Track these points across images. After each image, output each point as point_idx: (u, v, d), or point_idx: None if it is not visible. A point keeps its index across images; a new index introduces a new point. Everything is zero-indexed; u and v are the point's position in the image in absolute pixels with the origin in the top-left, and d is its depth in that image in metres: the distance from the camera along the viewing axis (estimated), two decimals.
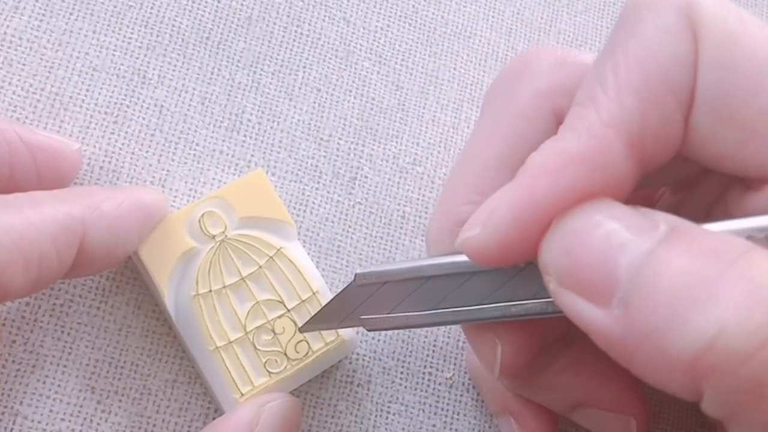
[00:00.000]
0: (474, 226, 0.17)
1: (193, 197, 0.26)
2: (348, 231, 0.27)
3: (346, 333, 0.23)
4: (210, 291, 0.23)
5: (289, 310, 0.23)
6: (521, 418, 0.23)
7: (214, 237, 0.23)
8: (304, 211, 0.27)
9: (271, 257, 0.23)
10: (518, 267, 0.18)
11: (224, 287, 0.23)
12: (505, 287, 0.19)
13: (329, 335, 0.23)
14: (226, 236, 0.23)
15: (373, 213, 0.27)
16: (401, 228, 0.27)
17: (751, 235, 0.16)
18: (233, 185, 0.24)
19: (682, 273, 0.14)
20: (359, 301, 0.21)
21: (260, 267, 0.23)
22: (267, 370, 0.22)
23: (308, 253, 0.25)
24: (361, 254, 0.26)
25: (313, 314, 0.22)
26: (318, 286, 0.24)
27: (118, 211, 0.21)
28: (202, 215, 0.23)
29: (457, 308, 0.19)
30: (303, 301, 0.23)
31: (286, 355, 0.23)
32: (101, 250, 0.21)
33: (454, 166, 0.22)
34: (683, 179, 0.21)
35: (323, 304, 0.22)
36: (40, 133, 0.23)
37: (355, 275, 0.21)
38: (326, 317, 0.22)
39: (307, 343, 0.23)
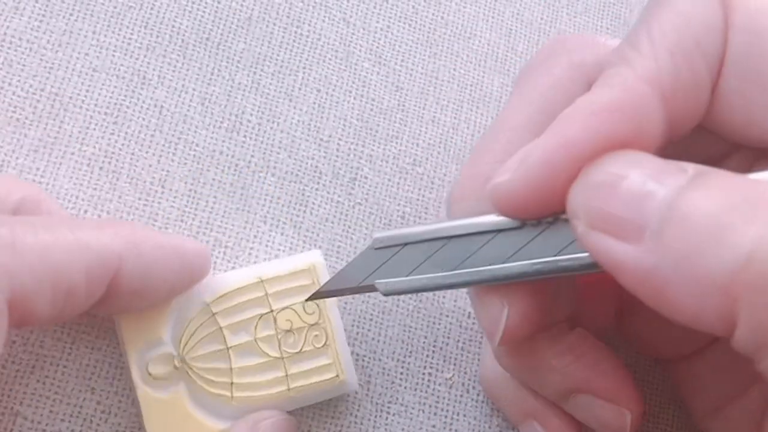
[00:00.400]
0: (506, 171, 0.18)
1: (193, 197, 0.26)
2: (348, 231, 0.27)
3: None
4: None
5: (272, 310, 0.23)
6: (546, 420, 0.23)
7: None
8: (304, 211, 0.27)
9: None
10: (541, 226, 0.18)
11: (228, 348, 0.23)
12: (527, 247, 0.18)
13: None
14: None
15: (373, 213, 0.27)
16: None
17: None
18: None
19: (714, 202, 0.14)
20: (376, 265, 0.20)
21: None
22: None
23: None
24: None
25: (327, 279, 0.22)
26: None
27: (157, 255, 0.20)
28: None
29: (480, 267, 0.19)
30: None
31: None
32: (130, 291, 0.20)
33: (484, 133, 0.22)
34: (706, 161, 0.21)
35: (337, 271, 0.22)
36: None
37: (374, 238, 0.20)
38: (342, 281, 0.21)
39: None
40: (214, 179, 0.26)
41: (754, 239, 0.13)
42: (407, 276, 0.20)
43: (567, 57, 0.21)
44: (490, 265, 0.19)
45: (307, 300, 0.22)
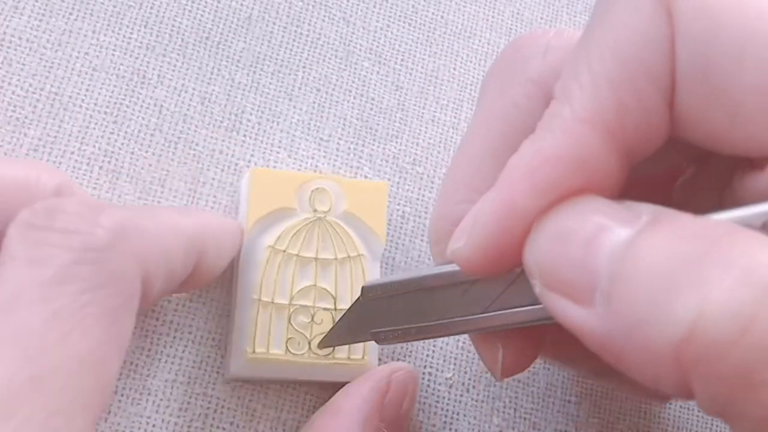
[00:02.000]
0: (460, 236, 0.17)
1: (193, 197, 0.26)
2: None
3: (370, 357, 0.24)
4: (284, 251, 0.24)
5: (335, 309, 0.24)
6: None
7: (315, 211, 0.24)
8: None
9: (349, 257, 0.24)
10: (515, 272, 0.18)
11: (297, 255, 0.24)
12: (506, 293, 0.18)
13: (356, 352, 0.24)
14: (324, 216, 0.24)
15: None
16: (401, 228, 0.27)
17: (749, 223, 0.15)
18: (356, 182, 0.25)
19: (661, 259, 0.13)
20: (369, 315, 0.21)
21: (335, 258, 0.24)
22: (286, 347, 0.23)
23: None
24: None
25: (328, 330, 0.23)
26: None
27: (222, 231, 0.22)
28: (317, 188, 0.24)
29: (464, 317, 0.19)
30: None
31: (309, 344, 0.23)
32: (210, 266, 0.21)
33: (451, 162, 0.22)
34: (697, 156, 0.20)
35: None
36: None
37: (362, 288, 0.21)
38: (340, 333, 0.22)
39: (333, 347, 0.23)
40: (213, 179, 0.26)
41: (696, 307, 0.12)
42: (399, 325, 0.20)
43: (521, 72, 0.20)
44: (475, 313, 0.19)
45: (318, 347, 0.23)
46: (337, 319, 0.23)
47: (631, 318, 0.13)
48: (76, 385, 0.15)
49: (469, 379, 0.26)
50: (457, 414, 0.26)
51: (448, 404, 0.26)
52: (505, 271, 0.17)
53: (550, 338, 0.21)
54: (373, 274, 0.24)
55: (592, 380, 0.22)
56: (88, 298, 0.16)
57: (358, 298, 0.21)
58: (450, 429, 0.26)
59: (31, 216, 0.17)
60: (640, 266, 0.14)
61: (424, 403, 0.26)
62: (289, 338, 0.23)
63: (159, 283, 0.18)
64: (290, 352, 0.23)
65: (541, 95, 0.19)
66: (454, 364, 0.26)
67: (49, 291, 0.15)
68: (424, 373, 0.26)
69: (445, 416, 0.26)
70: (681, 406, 0.27)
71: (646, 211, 0.15)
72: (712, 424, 0.27)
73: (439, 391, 0.26)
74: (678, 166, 0.21)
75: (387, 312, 0.20)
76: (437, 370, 0.26)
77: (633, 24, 0.16)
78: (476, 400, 0.26)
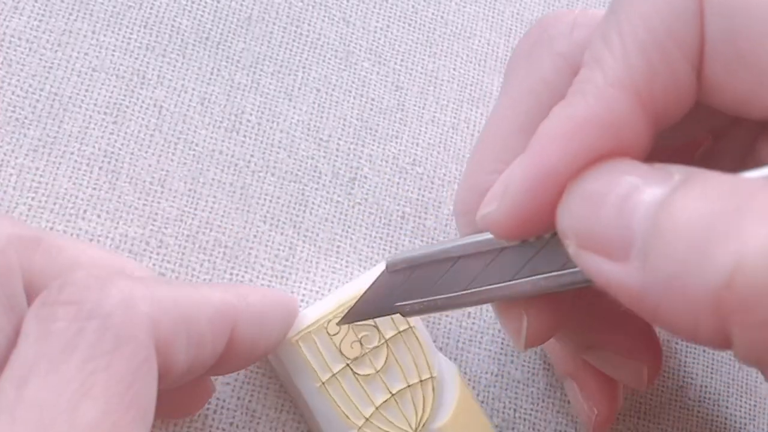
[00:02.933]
0: (491, 201, 0.17)
1: (193, 197, 0.25)
2: (348, 231, 0.26)
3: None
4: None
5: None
6: (582, 381, 0.24)
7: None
8: (304, 211, 0.26)
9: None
10: (544, 238, 0.18)
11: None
12: (534, 260, 0.18)
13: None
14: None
15: (373, 213, 0.27)
16: (401, 228, 0.27)
17: None
18: None
19: (698, 214, 0.14)
20: (393, 289, 0.20)
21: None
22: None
23: (308, 253, 0.25)
24: (360, 254, 0.26)
25: (350, 307, 0.22)
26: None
27: (264, 304, 0.21)
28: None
29: (490, 286, 0.19)
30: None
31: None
32: (248, 343, 0.20)
33: (479, 137, 0.22)
34: (718, 127, 0.20)
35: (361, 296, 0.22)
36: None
37: (387, 263, 0.20)
38: (363, 308, 0.21)
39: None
40: (213, 179, 0.26)
41: (735, 255, 0.13)
42: (423, 299, 0.20)
43: (548, 48, 0.20)
44: (499, 282, 0.19)
45: (338, 323, 0.23)
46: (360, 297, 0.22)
47: (669, 270, 0.14)
48: None
49: (469, 380, 0.26)
50: None
51: None
52: (536, 234, 0.17)
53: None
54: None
55: (582, 355, 0.23)
56: (95, 365, 0.15)
57: (383, 271, 0.21)
58: None
59: (45, 294, 0.16)
60: (677, 221, 0.14)
61: None
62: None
63: (181, 352, 0.17)
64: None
65: (569, 70, 0.19)
66: (454, 364, 0.26)
67: (56, 363, 0.15)
68: None
69: None
70: (681, 407, 0.27)
71: (679, 171, 0.15)
72: (712, 424, 0.27)
73: None
74: (697, 139, 0.21)
75: (411, 285, 0.20)
76: None
77: None
78: (476, 400, 0.26)
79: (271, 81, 0.27)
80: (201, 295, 0.19)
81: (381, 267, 0.21)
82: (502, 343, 0.27)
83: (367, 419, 0.22)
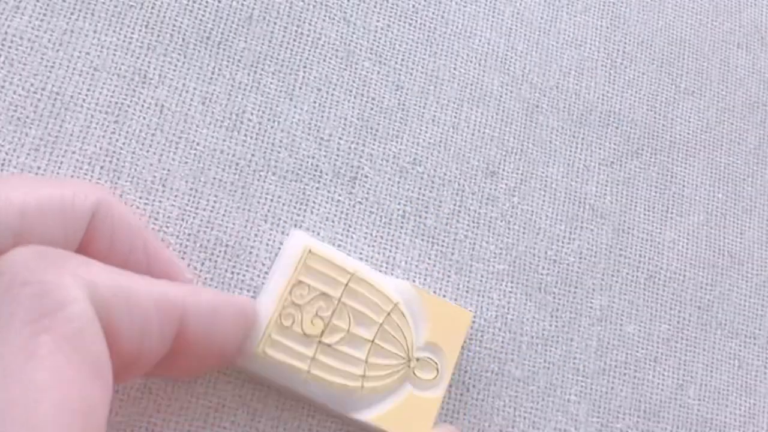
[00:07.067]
0: None
1: (194, 196, 0.25)
2: (348, 231, 0.26)
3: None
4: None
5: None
6: None
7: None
8: (305, 210, 0.26)
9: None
10: None
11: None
12: None
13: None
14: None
15: (374, 213, 0.27)
16: (401, 228, 0.27)
17: None
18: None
19: None
20: None
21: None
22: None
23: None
24: (361, 254, 0.26)
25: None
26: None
27: (216, 301, 0.20)
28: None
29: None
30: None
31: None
32: (201, 337, 0.20)
33: None
34: None
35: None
36: (165, 249, 0.22)
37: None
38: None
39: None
40: (215, 178, 0.25)
41: None
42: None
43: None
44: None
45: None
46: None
47: None
48: (40, 406, 0.14)
49: (470, 378, 0.26)
50: (458, 413, 0.25)
51: (448, 403, 0.26)
52: None
53: None
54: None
55: None
56: (35, 327, 0.15)
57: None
58: None
59: None
60: None
61: None
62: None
63: (124, 325, 0.17)
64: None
65: None
66: (455, 364, 0.26)
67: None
68: None
69: (445, 415, 0.26)
70: (680, 406, 0.27)
71: None
72: (712, 424, 0.27)
73: None
74: None
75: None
76: None
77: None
78: (476, 399, 0.26)
79: (272, 80, 0.27)
80: (147, 280, 0.19)
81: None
82: (502, 342, 0.27)
83: (363, 376, 0.23)
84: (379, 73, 0.28)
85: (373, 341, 0.23)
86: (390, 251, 0.27)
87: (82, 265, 0.17)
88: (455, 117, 0.29)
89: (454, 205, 0.27)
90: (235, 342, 0.21)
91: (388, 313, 0.24)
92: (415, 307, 0.24)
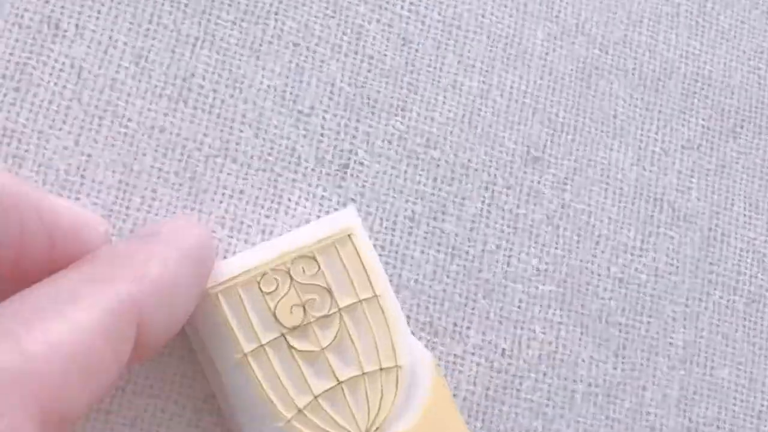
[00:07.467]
0: None
1: (124, 191, 0.23)
2: None
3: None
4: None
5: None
6: None
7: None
8: (277, 210, 0.24)
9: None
10: None
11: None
12: None
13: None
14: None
15: (372, 213, 0.25)
16: (409, 234, 0.25)
17: None
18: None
19: None
20: None
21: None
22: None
23: None
24: None
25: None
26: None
27: (170, 274, 0.20)
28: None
29: None
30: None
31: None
32: (161, 327, 0.20)
33: None
34: None
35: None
36: (65, 206, 0.21)
37: None
38: None
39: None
40: (152, 167, 0.24)
41: None
42: None
43: None
44: None
45: None
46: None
47: None
48: None
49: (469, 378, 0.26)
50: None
51: None
52: None
53: None
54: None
55: None
56: None
57: None
58: None
59: None
60: None
61: None
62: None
63: (83, 393, 0.17)
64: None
65: None
66: (432, 353, 0.25)
67: None
68: None
69: None
70: (681, 405, 0.27)
71: None
72: (712, 423, 0.27)
73: None
74: None
75: None
76: None
77: None
78: (452, 403, 0.25)
79: (231, 32, 0.25)
80: (89, 311, 0.18)
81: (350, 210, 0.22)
82: (548, 392, 0.26)
83: (299, 410, 0.21)
84: (378, 21, 0.26)
85: (340, 384, 0.21)
86: (393, 266, 0.25)
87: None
88: (483, 82, 0.27)
89: (483, 203, 0.26)
90: (196, 297, 0.21)
91: (381, 369, 0.22)
92: (417, 390, 0.22)
